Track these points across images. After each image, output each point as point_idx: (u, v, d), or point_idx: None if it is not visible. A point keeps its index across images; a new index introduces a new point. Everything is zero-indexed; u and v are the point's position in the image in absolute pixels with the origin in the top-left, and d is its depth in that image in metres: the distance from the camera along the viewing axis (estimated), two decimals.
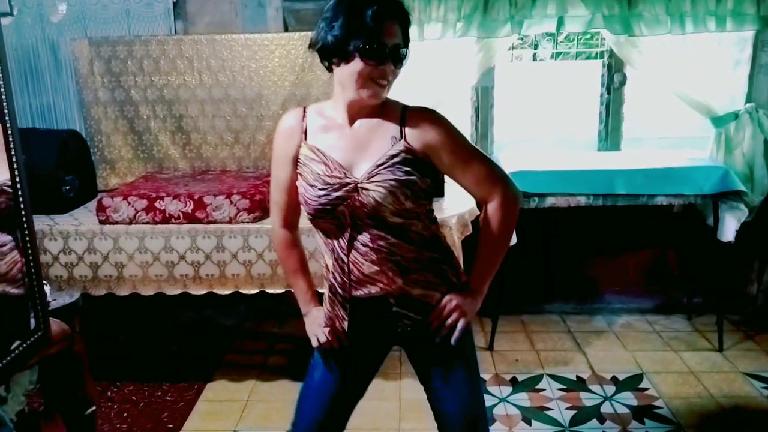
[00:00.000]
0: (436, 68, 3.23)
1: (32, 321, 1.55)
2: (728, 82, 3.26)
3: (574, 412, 2.76)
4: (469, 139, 3.72)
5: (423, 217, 1.54)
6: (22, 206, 1.42)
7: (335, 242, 1.53)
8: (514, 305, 3.62)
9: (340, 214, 1.48)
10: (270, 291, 2.72)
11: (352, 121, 1.52)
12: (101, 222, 2.74)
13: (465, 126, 3.63)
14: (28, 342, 1.46)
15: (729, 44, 3.22)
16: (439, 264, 1.57)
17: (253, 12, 3.31)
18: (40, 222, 2.73)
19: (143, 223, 2.71)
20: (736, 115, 3.27)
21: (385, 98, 1.51)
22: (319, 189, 1.48)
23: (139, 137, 3.29)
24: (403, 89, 3.04)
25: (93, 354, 2.23)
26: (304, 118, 1.55)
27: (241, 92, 3.19)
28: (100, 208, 2.74)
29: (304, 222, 1.64)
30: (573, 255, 3.67)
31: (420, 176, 1.48)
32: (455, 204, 2.85)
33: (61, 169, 2.94)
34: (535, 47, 4.61)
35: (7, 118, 1.35)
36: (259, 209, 2.72)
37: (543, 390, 2.94)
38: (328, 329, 1.62)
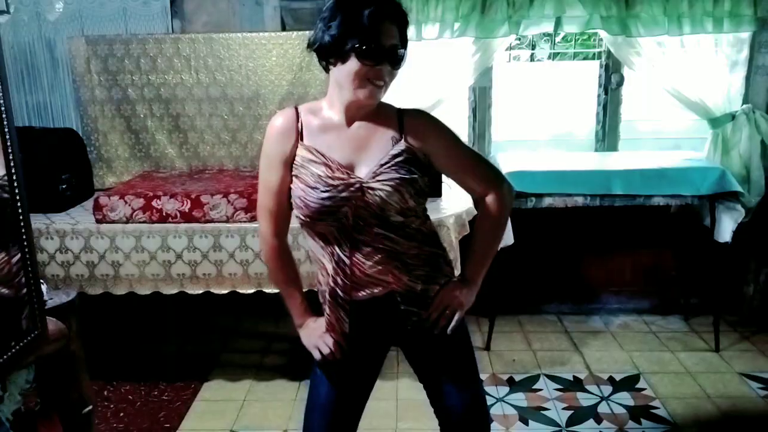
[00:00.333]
0: (433, 68, 3.23)
1: (27, 320, 1.54)
2: (725, 83, 3.27)
3: (571, 412, 2.77)
4: (466, 139, 3.75)
5: (421, 214, 1.57)
6: (19, 205, 1.42)
7: (334, 245, 1.51)
8: (511, 305, 3.62)
9: (342, 215, 1.46)
10: (267, 290, 2.71)
11: (349, 122, 1.52)
12: (98, 221, 2.73)
13: (462, 126, 3.64)
14: (25, 341, 1.46)
15: (726, 45, 3.23)
16: (438, 258, 1.61)
17: (251, 11, 3.30)
18: (37, 221, 2.72)
19: (140, 222, 2.71)
20: (733, 116, 3.28)
21: (381, 99, 1.50)
22: (322, 191, 1.45)
23: (136, 136, 3.29)
24: (401, 89, 3.06)
25: (89, 353, 2.23)
26: (298, 118, 1.52)
27: (239, 91, 3.18)
28: (97, 207, 2.73)
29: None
30: (570, 255, 3.67)
31: (420, 175, 1.50)
32: (453, 204, 2.85)
33: (58, 167, 2.93)
34: (533, 47, 4.62)
35: (4, 116, 1.35)
36: (257, 208, 2.71)
37: (540, 390, 2.94)
38: (331, 340, 1.57)
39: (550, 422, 2.70)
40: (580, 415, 2.75)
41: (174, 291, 2.76)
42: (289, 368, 3.14)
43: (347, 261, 1.51)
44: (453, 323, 1.60)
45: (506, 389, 2.95)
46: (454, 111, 3.63)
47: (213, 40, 3.13)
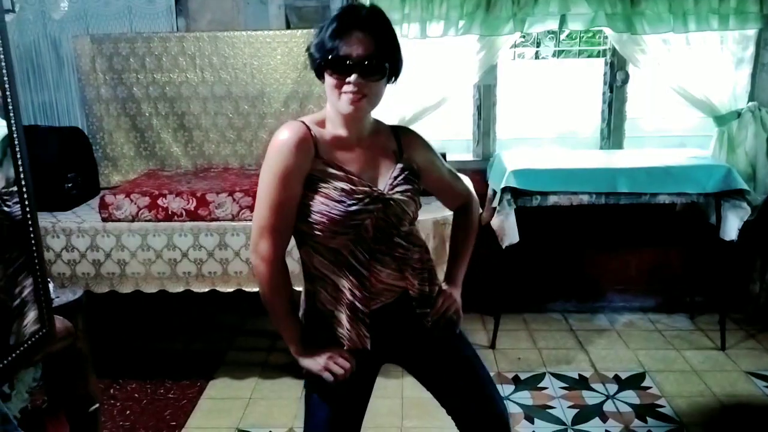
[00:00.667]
0: (438, 66, 3.22)
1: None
2: (731, 81, 3.25)
3: (576, 410, 2.76)
4: (471, 136, 3.74)
5: (415, 223, 1.63)
6: (27, 204, 1.42)
7: (350, 258, 1.48)
8: (516, 304, 3.61)
9: (363, 227, 1.47)
10: None
11: (354, 137, 1.53)
12: (104, 219, 2.74)
13: (467, 124, 3.63)
14: (32, 339, 1.46)
15: (732, 43, 3.22)
16: (431, 261, 1.67)
17: (255, 9, 3.30)
18: (43, 219, 2.73)
19: (146, 221, 2.71)
20: (738, 114, 3.27)
21: (368, 111, 1.50)
22: (349, 204, 1.44)
23: (142, 134, 3.29)
24: (406, 87, 3.07)
25: (96, 351, 2.24)
26: (310, 132, 1.48)
27: (244, 90, 3.19)
28: (103, 206, 2.73)
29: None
30: (575, 253, 3.66)
31: (419, 187, 1.60)
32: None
33: (64, 166, 2.94)
34: (538, 45, 4.61)
35: (11, 116, 1.35)
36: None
37: (545, 388, 2.94)
38: (341, 359, 1.51)
39: (556, 420, 2.69)
40: (585, 413, 2.74)
41: (180, 289, 2.77)
42: (295, 366, 3.13)
43: (365, 272, 1.50)
44: (459, 322, 1.69)
45: (512, 387, 2.94)
46: (458, 109, 3.63)
47: (218, 39, 3.13)
